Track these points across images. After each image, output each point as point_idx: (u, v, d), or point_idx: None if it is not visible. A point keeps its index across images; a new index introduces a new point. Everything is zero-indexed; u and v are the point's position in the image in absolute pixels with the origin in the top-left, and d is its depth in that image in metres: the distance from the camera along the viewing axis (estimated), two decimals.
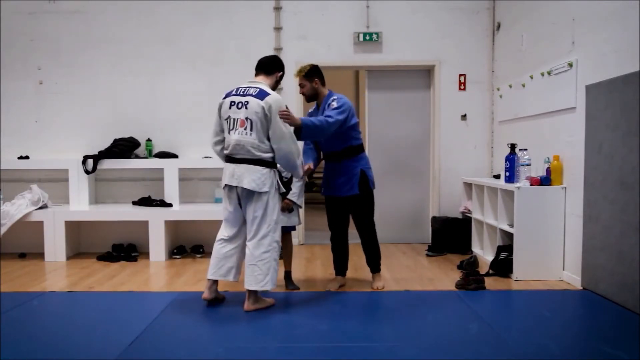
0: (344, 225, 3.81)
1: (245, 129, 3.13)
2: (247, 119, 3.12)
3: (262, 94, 3.13)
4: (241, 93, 3.18)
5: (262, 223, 3.16)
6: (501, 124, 5.26)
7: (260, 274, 3.16)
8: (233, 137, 3.16)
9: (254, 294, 3.23)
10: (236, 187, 3.17)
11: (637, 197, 3.09)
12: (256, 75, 3.33)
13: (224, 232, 3.33)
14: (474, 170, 5.49)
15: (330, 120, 3.43)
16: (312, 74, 3.65)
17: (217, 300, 3.40)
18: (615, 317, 3.11)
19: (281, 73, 3.39)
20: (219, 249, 3.31)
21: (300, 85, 3.69)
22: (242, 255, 3.33)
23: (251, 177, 3.11)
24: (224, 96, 3.27)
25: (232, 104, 3.18)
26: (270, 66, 3.34)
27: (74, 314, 3.32)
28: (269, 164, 3.18)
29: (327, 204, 3.82)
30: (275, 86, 3.35)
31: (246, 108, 3.12)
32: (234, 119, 3.16)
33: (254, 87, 3.19)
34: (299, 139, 3.30)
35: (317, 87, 3.67)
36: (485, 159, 5.55)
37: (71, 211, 4.99)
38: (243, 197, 3.19)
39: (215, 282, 3.35)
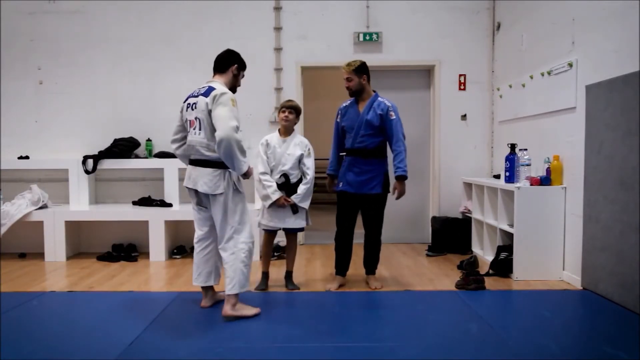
0: (352, 224, 3.81)
1: (194, 129, 3.11)
2: (196, 118, 3.09)
3: (208, 91, 3.06)
4: (195, 94, 3.15)
5: (224, 226, 3.10)
6: (501, 124, 5.26)
7: (227, 278, 3.08)
8: (189, 139, 3.18)
9: (232, 297, 3.08)
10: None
11: (637, 197, 3.09)
12: (213, 75, 3.26)
13: (196, 231, 3.34)
14: (474, 170, 5.49)
15: (404, 144, 3.70)
16: (361, 70, 3.68)
17: (220, 302, 3.39)
18: (615, 317, 3.11)
19: (236, 65, 3.24)
20: (195, 255, 3.32)
21: (347, 79, 3.69)
22: (218, 257, 3.29)
23: (203, 180, 3.07)
24: (184, 99, 3.25)
25: (188, 106, 3.17)
26: (223, 63, 3.23)
27: (74, 314, 3.31)
28: (221, 164, 3.07)
29: (341, 200, 3.80)
30: (234, 81, 3.25)
31: (196, 108, 3.09)
32: (189, 121, 3.16)
33: (205, 87, 3.13)
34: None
35: (365, 84, 3.71)
36: (485, 159, 5.54)
37: (71, 211, 4.99)
38: (204, 198, 3.17)
39: (210, 288, 3.36)
